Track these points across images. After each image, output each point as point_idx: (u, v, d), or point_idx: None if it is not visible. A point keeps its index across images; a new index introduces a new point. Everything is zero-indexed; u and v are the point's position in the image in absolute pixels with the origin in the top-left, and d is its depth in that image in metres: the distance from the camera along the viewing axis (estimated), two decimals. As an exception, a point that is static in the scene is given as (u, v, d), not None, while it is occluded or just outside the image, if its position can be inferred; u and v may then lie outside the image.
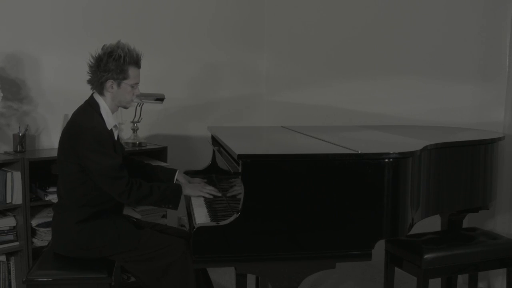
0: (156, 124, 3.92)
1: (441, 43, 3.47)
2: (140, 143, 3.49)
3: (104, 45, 2.36)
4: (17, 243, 2.99)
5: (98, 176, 2.24)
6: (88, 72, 2.38)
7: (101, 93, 2.37)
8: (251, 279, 3.03)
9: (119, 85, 2.35)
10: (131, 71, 2.35)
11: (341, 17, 4.05)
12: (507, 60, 3.17)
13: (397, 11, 3.71)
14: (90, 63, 2.36)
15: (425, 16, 3.55)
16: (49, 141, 3.40)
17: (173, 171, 2.64)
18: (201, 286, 2.35)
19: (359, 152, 1.99)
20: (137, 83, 2.40)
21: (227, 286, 3.38)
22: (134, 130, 3.53)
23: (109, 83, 2.34)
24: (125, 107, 2.47)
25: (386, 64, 3.78)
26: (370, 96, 3.87)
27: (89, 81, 2.39)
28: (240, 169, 1.94)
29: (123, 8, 3.67)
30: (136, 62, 2.38)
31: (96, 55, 2.35)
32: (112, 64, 2.30)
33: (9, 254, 3.00)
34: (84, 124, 2.27)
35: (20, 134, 3.13)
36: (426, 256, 2.43)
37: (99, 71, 2.32)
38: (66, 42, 3.41)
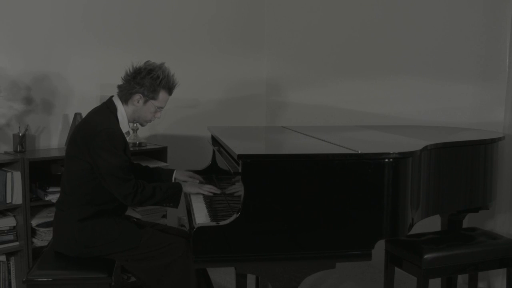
0: (156, 124, 3.92)
1: (441, 43, 3.47)
2: (140, 143, 3.49)
3: (148, 61, 2.43)
4: (17, 243, 2.99)
5: (107, 175, 2.24)
6: (122, 78, 2.42)
7: (125, 101, 2.41)
8: (251, 279, 3.03)
9: (145, 102, 2.40)
10: (162, 94, 2.41)
11: (341, 17, 4.05)
12: (507, 60, 3.17)
13: (397, 11, 3.71)
14: (128, 72, 2.41)
15: (425, 16, 3.55)
16: (49, 141, 3.40)
17: (171, 171, 2.67)
18: (201, 286, 2.35)
19: (359, 152, 1.99)
20: (162, 107, 2.45)
21: (227, 286, 3.38)
22: (134, 130, 3.53)
23: (137, 96, 2.38)
24: (142, 125, 2.54)
25: (386, 64, 3.78)
26: (370, 96, 3.87)
27: (120, 87, 2.44)
28: (240, 169, 1.94)
29: (123, 8, 3.67)
30: (170, 89, 2.44)
31: (137, 67, 2.40)
32: (148, 81, 2.36)
33: (9, 254, 3.01)
34: (100, 124, 2.29)
35: (20, 134, 3.13)
36: (426, 256, 2.43)
37: (134, 82, 2.37)
38: (66, 42, 3.41)
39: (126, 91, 2.39)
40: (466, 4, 3.34)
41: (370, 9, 3.87)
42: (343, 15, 4.03)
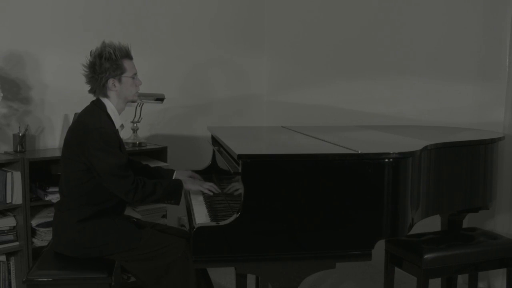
0: (156, 124, 3.92)
1: (441, 43, 3.47)
2: (140, 143, 3.49)
3: (91, 51, 2.40)
4: (17, 243, 2.99)
5: (105, 175, 2.24)
6: (86, 83, 2.42)
7: (105, 95, 2.41)
8: (251, 279, 3.03)
9: (120, 80, 2.39)
10: (126, 63, 2.40)
11: (341, 17, 4.05)
12: (507, 60, 3.17)
13: (397, 11, 3.71)
14: (85, 73, 2.40)
15: (425, 16, 3.55)
16: (49, 141, 3.40)
17: (171, 171, 2.67)
18: (201, 286, 2.35)
19: (359, 152, 1.99)
20: (135, 74, 2.45)
21: (227, 286, 3.38)
22: (134, 130, 3.53)
23: (110, 82, 2.37)
24: (133, 101, 2.51)
25: (386, 64, 3.78)
26: (370, 96, 3.87)
27: (91, 90, 2.43)
28: (240, 169, 1.94)
29: (123, 8, 3.68)
30: (127, 54, 2.43)
31: (88, 63, 2.38)
32: (106, 64, 2.35)
33: (9, 254, 3.01)
34: (92, 124, 2.29)
35: (20, 134, 3.13)
36: (426, 256, 2.43)
37: (97, 75, 2.36)
38: (67, 42, 3.41)
39: (99, 87, 2.38)
40: (466, 4, 3.34)
41: (370, 9, 3.87)
42: (343, 15, 4.03)
